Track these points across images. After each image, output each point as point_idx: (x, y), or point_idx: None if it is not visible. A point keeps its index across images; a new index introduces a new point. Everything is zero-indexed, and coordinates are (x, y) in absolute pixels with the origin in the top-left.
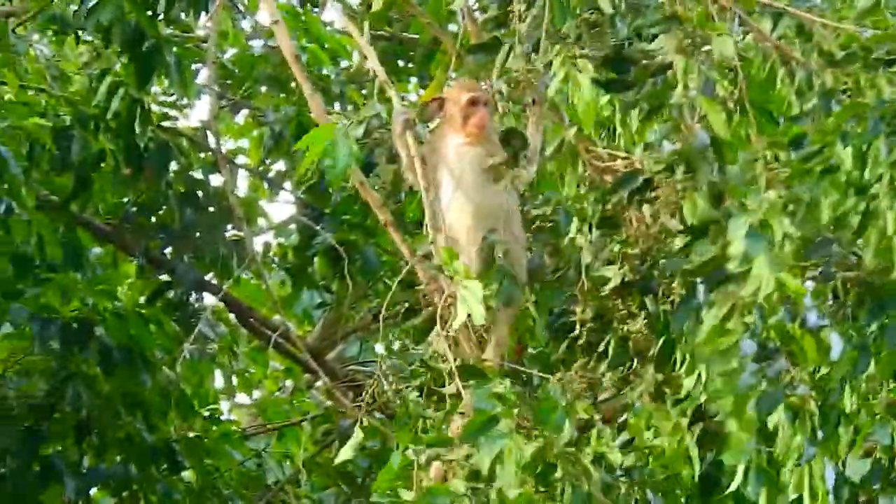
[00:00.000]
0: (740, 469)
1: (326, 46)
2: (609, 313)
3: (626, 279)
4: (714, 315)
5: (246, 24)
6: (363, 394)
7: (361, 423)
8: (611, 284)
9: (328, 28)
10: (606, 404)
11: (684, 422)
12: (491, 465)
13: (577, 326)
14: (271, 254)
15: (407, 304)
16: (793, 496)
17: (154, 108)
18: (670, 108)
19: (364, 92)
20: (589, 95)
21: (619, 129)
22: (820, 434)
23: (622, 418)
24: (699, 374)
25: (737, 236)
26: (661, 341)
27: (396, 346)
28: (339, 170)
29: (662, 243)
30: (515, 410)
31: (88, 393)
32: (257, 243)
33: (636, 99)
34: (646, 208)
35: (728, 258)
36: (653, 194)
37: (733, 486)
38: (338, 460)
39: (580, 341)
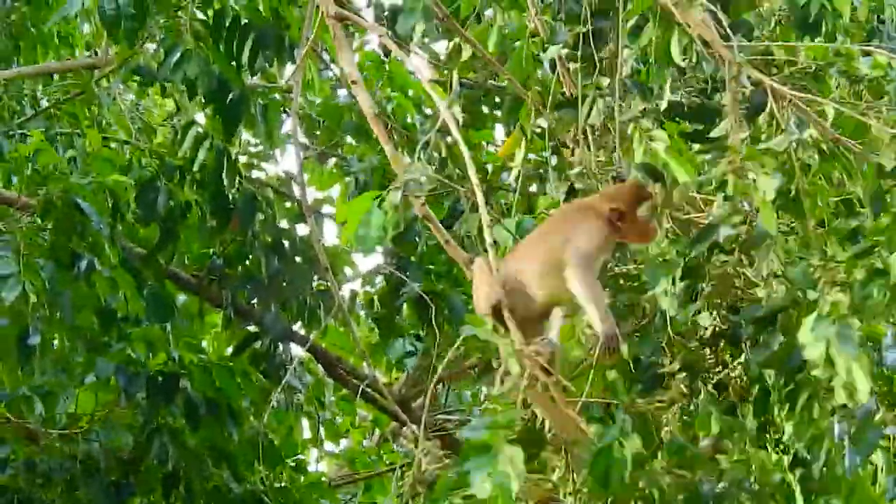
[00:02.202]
0: None
1: (411, 94)
2: (699, 363)
3: (718, 329)
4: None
5: (330, 74)
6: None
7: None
8: (706, 333)
9: (413, 76)
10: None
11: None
12: None
13: (667, 377)
14: (358, 302)
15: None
16: None
17: (240, 159)
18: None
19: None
20: (674, 162)
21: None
22: None
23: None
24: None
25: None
26: (756, 388)
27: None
28: (370, 242)
29: (745, 293)
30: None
31: (175, 445)
32: (344, 292)
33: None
34: (730, 259)
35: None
36: (734, 246)
37: None
38: None
39: (669, 392)
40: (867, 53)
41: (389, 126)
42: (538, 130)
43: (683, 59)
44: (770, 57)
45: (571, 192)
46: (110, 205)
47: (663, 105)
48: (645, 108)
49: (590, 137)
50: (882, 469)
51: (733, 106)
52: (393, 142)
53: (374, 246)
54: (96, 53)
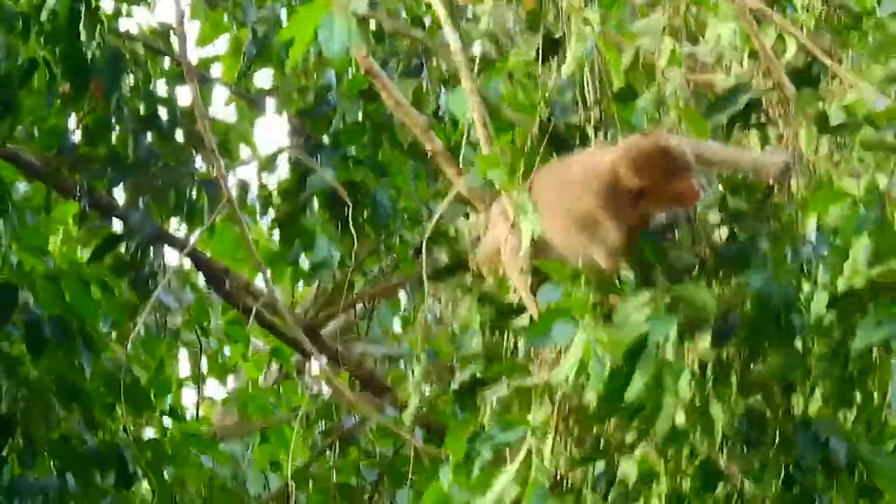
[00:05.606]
0: None
1: None
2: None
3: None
4: None
5: None
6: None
7: None
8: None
9: None
10: None
11: None
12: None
13: None
14: (253, 196)
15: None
16: None
17: (104, 5)
18: None
19: None
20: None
21: None
22: None
23: None
24: None
25: None
26: None
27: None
28: (337, 47)
29: None
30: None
31: (11, 380)
32: (235, 181)
33: None
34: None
35: None
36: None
37: None
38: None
39: None
40: None
41: None
42: None
43: None
44: None
45: (553, 44)
46: None
47: None
48: None
49: None
50: None
51: None
52: None
53: (342, 51)
54: None
